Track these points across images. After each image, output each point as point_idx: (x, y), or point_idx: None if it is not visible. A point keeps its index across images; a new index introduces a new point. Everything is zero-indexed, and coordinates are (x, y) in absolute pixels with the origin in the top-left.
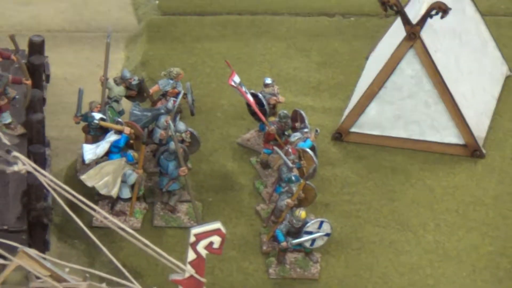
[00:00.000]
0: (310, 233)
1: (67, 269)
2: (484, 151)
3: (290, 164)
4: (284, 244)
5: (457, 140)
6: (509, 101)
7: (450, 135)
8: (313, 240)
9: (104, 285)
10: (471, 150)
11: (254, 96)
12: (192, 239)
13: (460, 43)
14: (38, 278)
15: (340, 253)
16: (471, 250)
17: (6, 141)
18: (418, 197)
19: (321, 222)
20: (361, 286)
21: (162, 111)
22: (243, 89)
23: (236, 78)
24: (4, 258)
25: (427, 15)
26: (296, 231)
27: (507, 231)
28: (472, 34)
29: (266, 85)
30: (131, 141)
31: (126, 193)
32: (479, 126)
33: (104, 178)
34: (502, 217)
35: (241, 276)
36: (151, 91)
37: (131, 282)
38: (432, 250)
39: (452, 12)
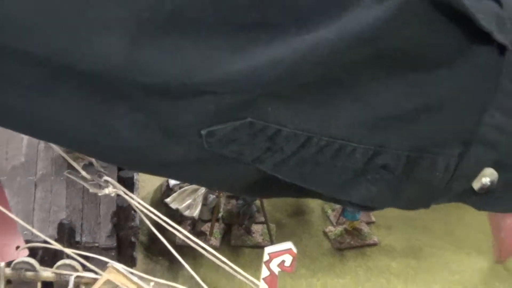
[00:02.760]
0: None
1: (152, 283)
2: None
3: None
4: None
5: None
6: None
7: None
8: None
9: None
10: None
11: None
12: (266, 257)
13: None
14: None
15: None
16: None
17: (98, 166)
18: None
19: None
20: None
21: None
22: None
23: None
24: (96, 272)
25: None
26: None
27: None
28: None
29: None
30: None
31: (207, 215)
32: None
33: (187, 201)
34: None
35: (305, 283)
36: None
37: None
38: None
39: None
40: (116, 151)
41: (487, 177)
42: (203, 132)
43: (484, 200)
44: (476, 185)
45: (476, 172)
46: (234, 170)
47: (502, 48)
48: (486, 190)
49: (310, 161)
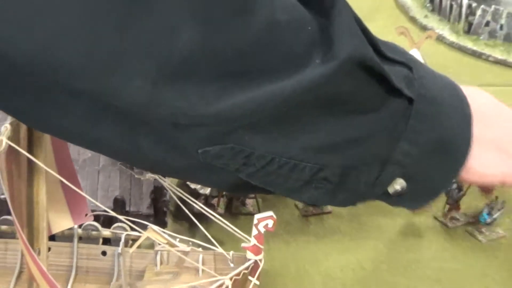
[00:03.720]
0: None
1: (177, 239)
2: None
3: None
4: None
5: None
6: None
7: None
8: None
9: (200, 249)
10: None
11: None
12: (255, 221)
13: None
14: (159, 244)
15: None
16: None
17: None
18: None
19: None
20: None
21: None
22: None
23: None
24: (139, 232)
25: None
26: None
27: None
28: None
29: None
30: None
31: (215, 192)
32: None
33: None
34: None
35: (284, 244)
36: None
37: (217, 247)
38: None
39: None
40: (142, 160)
41: (398, 185)
42: (199, 151)
43: (397, 200)
44: (390, 190)
45: (390, 182)
46: (222, 176)
47: (411, 100)
48: (398, 194)
49: (273, 173)
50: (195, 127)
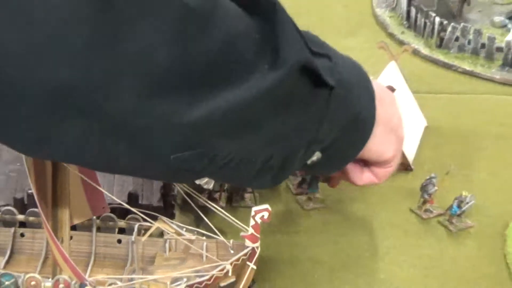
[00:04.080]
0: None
1: (184, 229)
2: (413, 166)
3: None
4: None
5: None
6: (426, 143)
7: None
8: None
9: (204, 237)
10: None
11: None
12: (253, 213)
13: (398, 99)
14: (168, 233)
15: None
16: None
17: None
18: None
19: None
20: None
21: None
22: None
23: None
24: (151, 222)
25: None
26: None
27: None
28: (404, 92)
29: None
30: None
31: (217, 187)
32: (410, 151)
33: (205, 179)
34: None
35: (278, 233)
36: None
37: (219, 236)
38: None
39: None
40: (122, 171)
41: (315, 157)
42: (171, 157)
43: (311, 168)
44: (309, 162)
45: (311, 156)
46: (186, 175)
47: (332, 87)
48: (313, 163)
49: (231, 169)
50: (170, 136)
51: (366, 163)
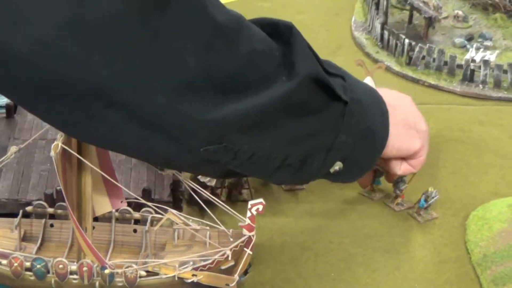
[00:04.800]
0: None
1: (190, 220)
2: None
3: None
4: None
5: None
6: None
7: None
8: None
9: (208, 227)
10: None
11: None
12: (249, 206)
13: None
14: (177, 224)
15: None
16: None
17: None
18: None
19: None
20: None
21: None
22: None
23: None
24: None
25: None
26: None
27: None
28: None
29: None
30: None
31: (219, 184)
32: None
33: (209, 177)
34: None
35: (271, 223)
36: None
37: (220, 226)
38: None
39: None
40: (156, 158)
41: (337, 166)
42: (201, 149)
43: (336, 177)
44: (331, 170)
45: (332, 164)
46: (215, 167)
47: (346, 102)
48: (337, 172)
49: (253, 163)
50: (199, 130)
51: (403, 158)
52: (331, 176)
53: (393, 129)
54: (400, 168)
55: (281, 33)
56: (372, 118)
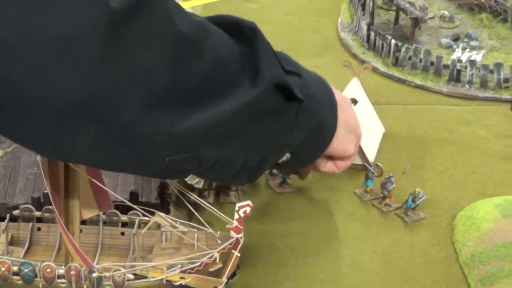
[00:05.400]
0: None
1: (178, 222)
2: (373, 167)
3: None
4: None
5: (359, 161)
6: (384, 147)
7: (357, 160)
8: None
9: (195, 230)
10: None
11: None
12: (237, 208)
13: (360, 109)
14: (164, 226)
15: None
16: None
17: None
18: None
19: None
20: None
21: None
22: None
23: None
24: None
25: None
26: None
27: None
28: (365, 104)
29: None
30: None
31: (206, 186)
32: (370, 154)
33: (196, 179)
34: None
35: (259, 224)
36: None
37: (208, 228)
38: None
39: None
40: (125, 169)
41: (285, 157)
42: (166, 159)
43: (281, 167)
44: (279, 161)
45: (281, 156)
46: (179, 174)
47: (301, 100)
48: (283, 163)
49: (216, 170)
50: (167, 142)
51: (330, 156)
52: (277, 166)
53: (338, 129)
54: (325, 166)
55: (244, 33)
56: (324, 111)
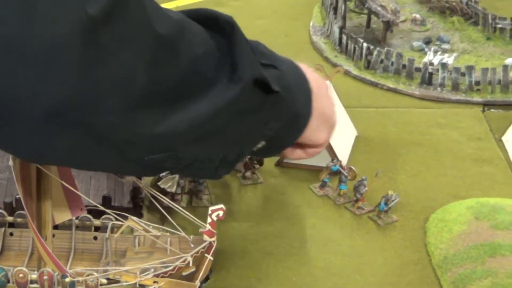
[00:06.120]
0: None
1: (151, 227)
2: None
3: None
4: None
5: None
6: (357, 150)
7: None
8: None
9: (168, 234)
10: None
11: None
12: (210, 212)
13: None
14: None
15: None
16: None
17: None
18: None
19: None
20: None
21: None
22: None
23: None
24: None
25: None
26: None
27: None
28: (337, 107)
29: None
30: None
31: (179, 190)
32: (343, 157)
33: (169, 183)
34: None
35: (232, 228)
36: None
37: (181, 232)
38: None
39: None
40: (105, 169)
41: (260, 145)
42: (146, 158)
43: (255, 153)
44: (254, 148)
45: (256, 144)
46: (160, 171)
47: (277, 92)
48: (258, 149)
49: (196, 167)
50: (147, 143)
51: (299, 144)
52: (252, 153)
53: (311, 119)
54: (294, 153)
55: (221, 28)
56: (298, 100)
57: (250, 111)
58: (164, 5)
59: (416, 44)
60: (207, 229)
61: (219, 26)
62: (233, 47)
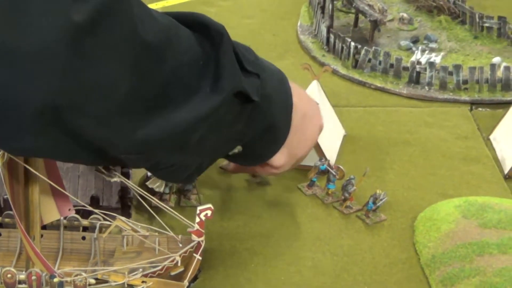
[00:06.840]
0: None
1: (139, 226)
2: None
3: None
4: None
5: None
6: (345, 149)
7: (307, 161)
8: None
9: (157, 233)
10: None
11: None
12: (198, 212)
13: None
14: (125, 230)
15: None
16: None
17: (111, 167)
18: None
19: None
20: None
21: None
22: None
23: None
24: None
25: None
26: None
27: None
28: (325, 106)
29: None
30: None
31: (168, 190)
32: (331, 157)
33: (157, 183)
34: None
35: (220, 228)
36: None
37: (169, 232)
38: None
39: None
40: (80, 162)
41: (236, 149)
42: (122, 156)
43: (232, 158)
44: (230, 153)
45: (232, 150)
46: (132, 167)
47: (256, 101)
48: (234, 155)
49: (171, 172)
50: (125, 147)
51: None
52: (228, 157)
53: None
54: (263, 170)
55: (210, 36)
56: (277, 113)
57: (228, 121)
58: (151, 5)
59: (403, 43)
60: (195, 228)
61: (209, 34)
62: (219, 58)
